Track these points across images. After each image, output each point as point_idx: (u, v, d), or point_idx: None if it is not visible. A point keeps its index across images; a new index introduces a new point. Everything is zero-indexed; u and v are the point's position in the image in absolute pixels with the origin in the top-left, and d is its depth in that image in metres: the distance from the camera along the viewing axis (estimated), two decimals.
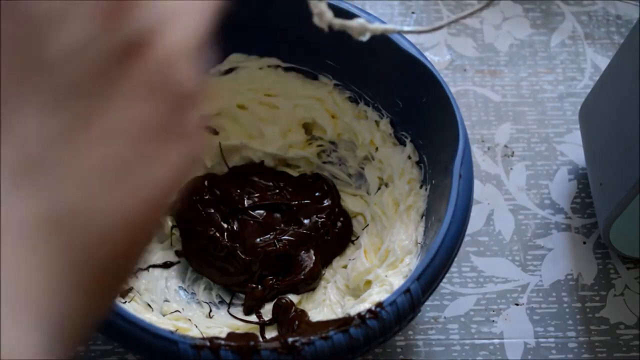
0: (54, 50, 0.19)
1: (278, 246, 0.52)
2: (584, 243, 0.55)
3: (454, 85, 0.62)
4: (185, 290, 0.52)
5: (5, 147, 0.18)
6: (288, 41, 0.51)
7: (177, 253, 0.53)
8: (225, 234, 0.52)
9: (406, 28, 0.33)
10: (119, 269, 0.21)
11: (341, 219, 0.54)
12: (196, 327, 0.48)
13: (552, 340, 0.52)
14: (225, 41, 0.52)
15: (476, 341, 0.52)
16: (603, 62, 0.63)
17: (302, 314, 0.50)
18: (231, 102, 0.55)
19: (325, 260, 0.53)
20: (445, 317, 0.52)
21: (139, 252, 0.22)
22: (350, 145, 0.55)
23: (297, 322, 0.48)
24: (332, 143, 0.55)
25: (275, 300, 0.51)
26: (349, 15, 0.40)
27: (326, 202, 0.54)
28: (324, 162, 0.56)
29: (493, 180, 0.58)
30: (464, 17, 0.32)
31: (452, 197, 0.42)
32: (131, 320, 0.39)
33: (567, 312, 0.53)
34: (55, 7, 0.19)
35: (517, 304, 0.53)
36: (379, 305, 0.39)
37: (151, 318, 0.47)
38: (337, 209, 0.54)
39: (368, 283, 0.49)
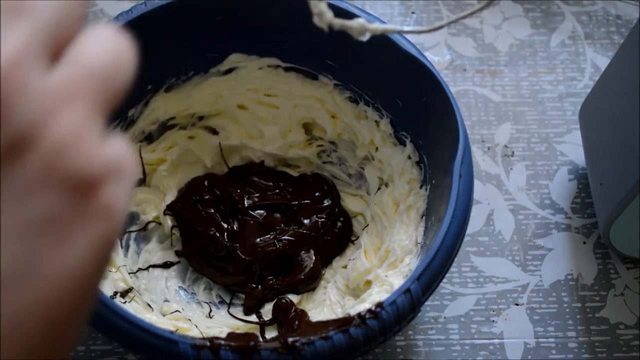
0: None
1: (278, 246, 0.52)
2: (584, 243, 0.55)
3: (454, 85, 0.62)
4: (185, 290, 0.52)
5: None
6: (288, 41, 0.51)
7: (177, 253, 0.53)
8: (225, 234, 0.52)
9: (406, 28, 0.33)
10: None
11: (341, 219, 0.54)
12: (196, 327, 0.48)
13: (552, 340, 0.52)
14: (225, 41, 0.53)
15: (476, 341, 0.52)
16: (603, 62, 0.63)
17: (302, 314, 0.50)
18: (231, 102, 0.55)
19: (325, 260, 0.53)
20: (445, 317, 0.53)
21: (67, 340, 0.21)
22: (350, 145, 0.55)
23: (297, 322, 0.48)
24: (332, 143, 0.55)
25: (275, 300, 0.51)
26: (349, 15, 0.40)
27: (326, 202, 0.54)
28: (324, 162, 0.56)
29: (493, 180, 0.58)
30: (464, 17, 0.32)
31: (452, 197, 0.42)
32: (131, 320, 0.39)
33: (567, 312, 0.53)
34: None
35: (517, 304, 0.53)
36: (379, 305, 0.39)
37: (151, 318, 0.47)
38: (337, 209, 0.54)
39: (368, 283, 0.49)
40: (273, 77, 0.54)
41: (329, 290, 0.52)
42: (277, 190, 0.55)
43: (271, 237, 0.53)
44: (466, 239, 0.53)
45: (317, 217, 0.53)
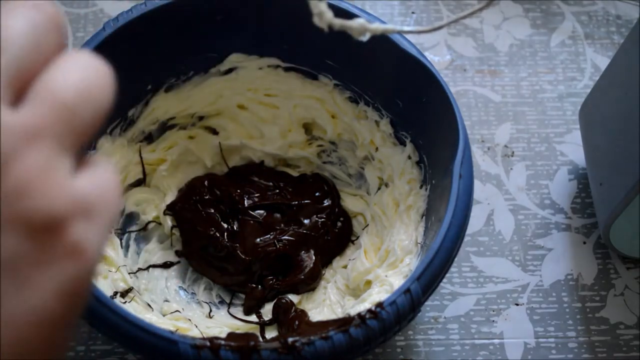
0: None
1: (278, 246, 0.52)
2: (584, 243, 0.55)
3: (454, 85, 0.62)
4: (185, 290, 0.52)
5: None
6: (288, 41, 0.51)
7: (177, 253, 0.53)
8: (225, 234, 0.52)
9: (406, 28, 0.33)
10: None
11: (341, 219, 0.54)
12: (196, 327, 0.48)
13: (552, 340, 0.52)
14: (225, 41, 0.53)
15: (476, 341, 0.52)
16: (603, 62, 0.63)
17: (302, 314, 0.50)
18: (231, 102, 0.55)
19: (325, 260, 0.53)
20: (445, 317, 0.53)
21: None
22: (350, 145, 0.55)
23: (297, 322, 0.48)
24: (332, 143, 0.55)
25: (275, 300, 0.51)
26: (349, 15, 0.40)
27: (326, 202, 0.54)
28: (324, 162, 0.56)
29: (493, 180, 0.58)
30: (464, 17, 0.32)
31: (452, 197, 0.42)
32: (131, 320, 0.39)
33: (567, 312, 0.53)
34: None
35: (517, 304, 0.53)
36: (379, 305, 0.39)
37: (151, 318, 0.47)
38: (337, 209, 0.54)
39: (368, 283, 0.49)
40: (273, 77, 0.54)
41: (329, 290, 0.52)
42: (277, 190, 0.55)
43: (271, 237, 0.53)
44: (466, 239, 0.53)
45: (317, 217, 0.53)
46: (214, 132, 0.56)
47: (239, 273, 0.52)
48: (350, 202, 0.55)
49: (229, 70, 0.53)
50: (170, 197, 0.54)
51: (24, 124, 0.19)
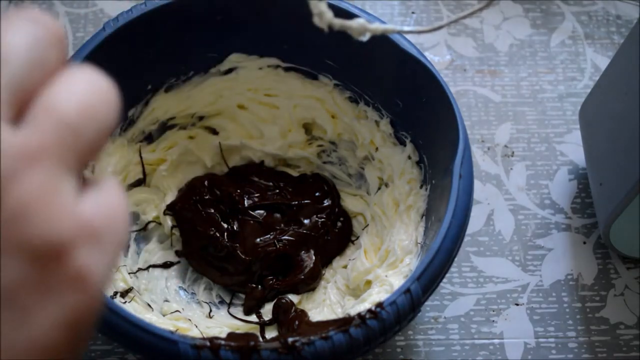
0: None
1: (278, 246, 0.52)
2: (584, 243, 0.55)
3: (454, 85, 0.62)
4: (185, 290, 0.52)
5: None
6: (288, 41, 0.51)
7: (177, 253, 0.53)
8: (225, 234, 0.52)
9: (406, 28, 0.33)
10: None
11: (341, 219, 0.54)
12: (196, 327, 0.48)
13: (552, 340, 0.52)
14: (225, 41, 0.53)
15: (476, 341, 0.52)
16: (603, 62, 0.63)
17: (302, 314, 0.50)
18: (231, 102, 0.55)
19: (325, 260, 0.53)
20: (445, 317, 0.53)
21: None
22: (350, 145, 0.55)
23: (297, 322, 0.48)
24: (332, 143, 0.55)
25: (275, 300, 0.51)
26: (349, 15, 0.40)
27: (326, 202, 0.54)
28: (324, 162, 0.56)
29: (493, 180, 0.58)
30: (464, 17, 0.32)
31: (452, 197, 0.42)
32: (131, 320, 0.39)
33: (567, 312, 0.53)
34: None
35: (517, 304, 0.53)
36: (379, 305, 0.39)
37: (151, 318, 0.47)
38: (337, 209, 0.54)
39: (368, 283, 0.49)
40: (273, 77, 0.54)
41: (329, 290, 0.52)
42: (277, 190, 0.55)
43: (271, 237, 0.53)
44: (466, 239, 0.53)
45: (317, 217, 0.53)
46: (214, 132, 0.56)
47: (239, 273, 0.52)
48: (350, 202, 0.55)
49: (229, 70, 0.53)
50: (170, 197, 0.54)
51: (25, 144, 0.19)
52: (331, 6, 0.32)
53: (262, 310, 0.51)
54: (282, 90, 0.54)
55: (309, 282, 0.52)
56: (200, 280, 0.53)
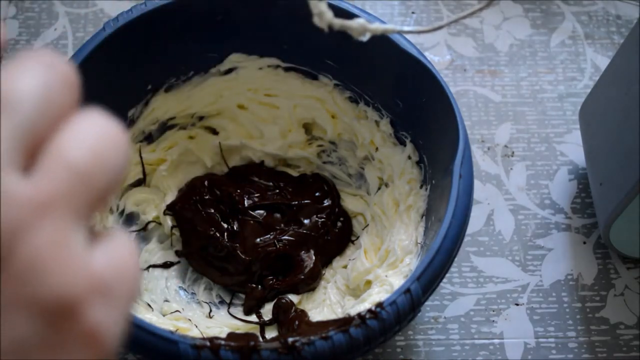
0: None
1: (278, 246, 0.52)
2: (584, 243, 0.55)
3: (454, 85, 0.62)
4: (185, 290, 0.52)
5: None
6: (288, 41, 0.51)
7: (177, 253, 0.53)
8: (225, 234, 0.52)
9: (406, 28, 0.33)
10: None
11: (341, 219, 0.54)
12: (196, 327, 0.48)
13: (552, 340, 0.52)
14: (225, 41, 0.53)
15: (476, 341, 0.52)
16: (603, 62, 0.63)
17: (302, 314, 0.50)
18: (231, 102, 0.55)
19: (325, 260, 0.53)
20: (445, 317, 0.53)
21: None
22: (350, 145, 0.55)
23: (297, 322, 0.48)
24: (332, 143, 0.55)
25: (275, 300, 0.51)
26: (349, 15, 0.40)
27: (326, 202, 0.54)
28: (324, 162, 0.56)
29: (493, 180, 0.58)
30: (464, 17, 0.32)
31: (452, 197, 0.42)
32: (131, 320, 0.39)
33: (567, 312, 0.53)
34: None
35: (517, 304, 0.53)
36: (379, 305, 0.39)
37: (151, 318, 0.47)
38: (337, 209, 0.54)
39: (368, 283, 0.49)
40: (273, 77, 0.54)
41: (329, 290, 0.52)
42: (277, 190, 0.55)
43: (271, 237, 0.53)
44: (466, 239, 0.53)
45: (317, 217, 0.53)
46: (214, 132, 0.56)
47: (239, 273, 0.52)
48: (350, 202, 0.55)
49: (229, 70, 0.53)
50: (170, 197, 0.54)
51: (36, 194, 0.18)
52: (331, 6, 0.32)
53: (262, 310, 0.51)
54: (282, 90, 0.54)
55: (309, 282, 0.52)
56: (200, 280, 0.53)
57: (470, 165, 0.44)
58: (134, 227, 0.53)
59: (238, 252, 0.52)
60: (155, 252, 0.53)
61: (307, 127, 0.56)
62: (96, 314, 0.18)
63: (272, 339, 0.43)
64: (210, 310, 0.51)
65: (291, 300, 0.51)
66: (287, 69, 0.53)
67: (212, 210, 0.53)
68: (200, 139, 0.55)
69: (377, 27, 0.32)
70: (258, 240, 0.52)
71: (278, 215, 0.54)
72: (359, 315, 0.39)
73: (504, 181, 0.58)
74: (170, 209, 0.53)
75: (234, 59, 0.53)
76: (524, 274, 0.54)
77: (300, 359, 0.38)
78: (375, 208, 0.52)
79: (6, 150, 0.17)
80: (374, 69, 0.50)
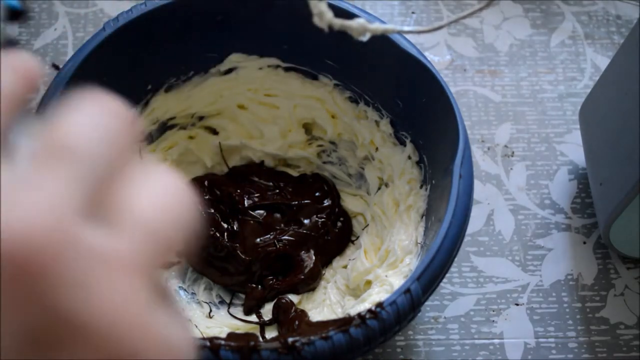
0: None
1: (278, 246, 0.52)
2: (584, 243, 0.55)
3: (454, 85, 0.62)
4: (185, 290, 0.52)
5: None
6: (288, 41, 0.51)
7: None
8: (225, 234, 0.52)
9: (406, 28, 0.33)
10: None
11: (341, 219, 0.54)
12: (196, 327, 0.48)
13: (552, 340, 0.52)
14: (225, 41, 0.53)
15: (476, 341, 0.52)
16: (603, 62, 0.63)
17: (302, 314, 0.50)
18: (231, 102, 0.55)
19: (325, 260, 0.53)
20: (445, 317, 0.52)
21: None
22: (350, 145, 0.55)
23: (297, 322, 0.48)
24: (332, 143, 0.55)
25: (275, 300, 0.51)
26: (349, 15, 0.40)
27: (326, 202, 0.54)
28: (324, 162, 0.56)
29: (493, 180, 0.58)
30: (464, 17, 0.32)
31: (452, 197, 0.42)
32: None
33: (567, 312, 0.53)
34: None
35: (517, 304, 0.53)
36: (379, 305, 0.39)
37: None
38: (337, 209, 0.54)
39: (368, 283, 0.49)
40: (273, 77, 0.54)
41: (329, 290, 0.52)
42: (277, 190, 0.55)
43: (271, 237, 0.53)
44: (466, 239, 0.53)
45: (317, 217, 0.53)
46: (214, 132, 0.56)
47: (239, 273, 0.52)
48: (350, 202, 0.55)
49: (229, 70, 0.53)
50: None
51: (106, 249, 0.17)
52: (331, 6, 0.32)
53: (262, 310, 0.51)
54: (282, 90, 0.54)
55: (309, 282, 0.52)
56: (200, 280, 0.53)
57: (470, 165, 0.44)
58: None
59: (238, 252, 0.52)
60: None
61: (307, 127, 0.56)
62: None
63: (272, 339, 0.43)
64: (210, 310, 0.51)
65: (291, 300, 0.51)
66: (287, 69, 0.53)
67: (212, 210, 0.53)
68: (200, 139, 0.55)
69: (377, 27, 0.32)
70: (258, 240, 0.52)
71: (278, 215, 0.54)
72: (359, 315, 0.39)
73: (504, 181, 0.58)
74: None
75: (233, 59, 0.53)
76: (524, 274, 0.54)
77: (300, 359, 0.38)
78: (375, 208, 0.52)
79: (72, 198, 0.17)
80: (374, 69, 0.50)
